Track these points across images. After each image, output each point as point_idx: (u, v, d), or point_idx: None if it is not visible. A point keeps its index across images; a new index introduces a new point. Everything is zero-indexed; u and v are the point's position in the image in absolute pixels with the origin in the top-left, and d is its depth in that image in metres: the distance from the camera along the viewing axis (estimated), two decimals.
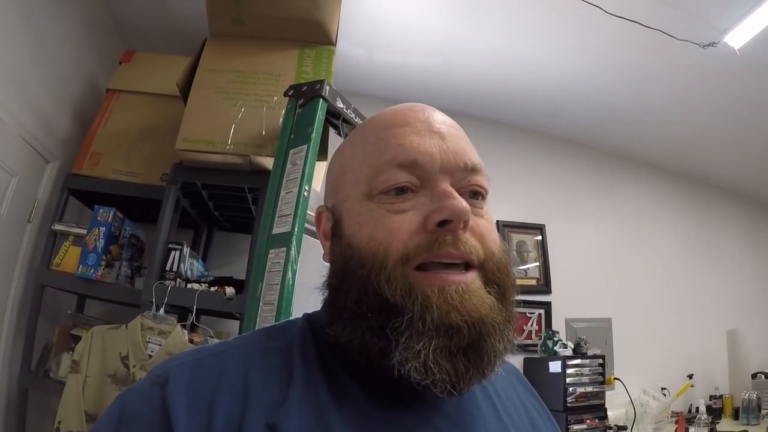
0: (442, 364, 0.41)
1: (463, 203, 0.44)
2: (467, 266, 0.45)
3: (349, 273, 0.45)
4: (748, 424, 2.61)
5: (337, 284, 0.47)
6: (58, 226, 1.76)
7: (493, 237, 0.48)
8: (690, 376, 2.80)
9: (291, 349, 0.47)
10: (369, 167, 0.48)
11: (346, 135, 1.52)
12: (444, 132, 0.49)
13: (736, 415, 2.76)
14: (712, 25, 2.04)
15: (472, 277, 0.44)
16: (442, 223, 0.44)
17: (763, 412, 2.63)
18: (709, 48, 2.11)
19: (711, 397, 2.86)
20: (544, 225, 2.96)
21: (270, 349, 0.47)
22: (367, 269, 0.44)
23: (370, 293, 0.43)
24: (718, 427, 2.59)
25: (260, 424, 0.40)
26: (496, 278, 0.46)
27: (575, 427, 2.24)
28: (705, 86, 2.46)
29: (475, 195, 0.49)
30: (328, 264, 0.51)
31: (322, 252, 0.54)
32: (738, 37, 2.05)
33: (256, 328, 1.09)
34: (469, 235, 0.45)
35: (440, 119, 0.51)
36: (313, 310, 0.54)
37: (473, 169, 0.48)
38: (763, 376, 2.79)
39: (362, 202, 0.47)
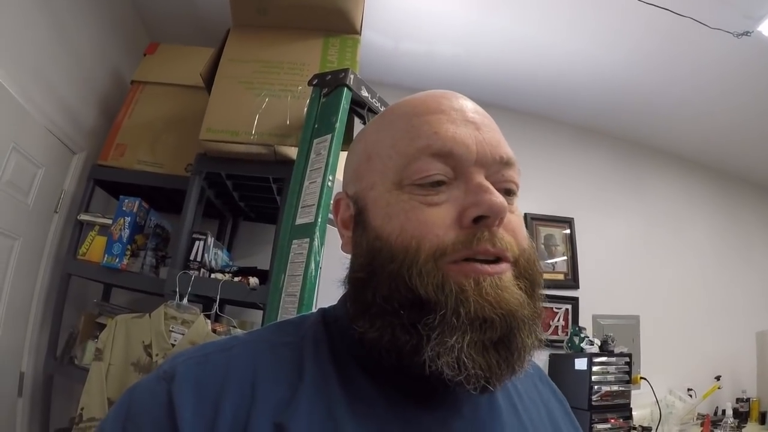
0: (476, 359, 0.39)
1: (500, 198, 0.43)
2: (498, 259, 0.43)
3: (377, 267, 0.43)
4: None
5: (364, 278, 0.45)
6: (84, 216, 1.78)
7: (524, 233, 0.47)
8: (718, 378, 2.73)
9: (303, 346, 0.46)
10: (399, 155, 0.46)
11: None
12: (479, 122, 0.47)
13: (762, 420, 2.68)
14: (746, 14, 1.97)
15: (504, 268, 0.43)
16: (477, 219, 0.42)
17: None
18: (742, 37, 2.04)
19: (738, 400, 2.78)
20: (572, 218, 2.90)
21: (280, 345, 0.46)
22: (398, 263, 0.42)
23: (401, 288, 0.41)
24: (744, 431, 2.52)
25: (267, 422, 0.39)
26: (527, 273, 0.45)
27: (599, 426, 2.18)
28: (738, 77, 2.39)
29: (508, 192, 0.47)
30: (348, 255, 0.49)
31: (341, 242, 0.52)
32: None
33: (277, 320, 1.08)
34: (503, 232, 0.44)
35: (473, 108, 0.49)
36: (330, 305, 0.52)
37: (508, 163, 0.46)
38: None
39: (392, 191, 0.45)
